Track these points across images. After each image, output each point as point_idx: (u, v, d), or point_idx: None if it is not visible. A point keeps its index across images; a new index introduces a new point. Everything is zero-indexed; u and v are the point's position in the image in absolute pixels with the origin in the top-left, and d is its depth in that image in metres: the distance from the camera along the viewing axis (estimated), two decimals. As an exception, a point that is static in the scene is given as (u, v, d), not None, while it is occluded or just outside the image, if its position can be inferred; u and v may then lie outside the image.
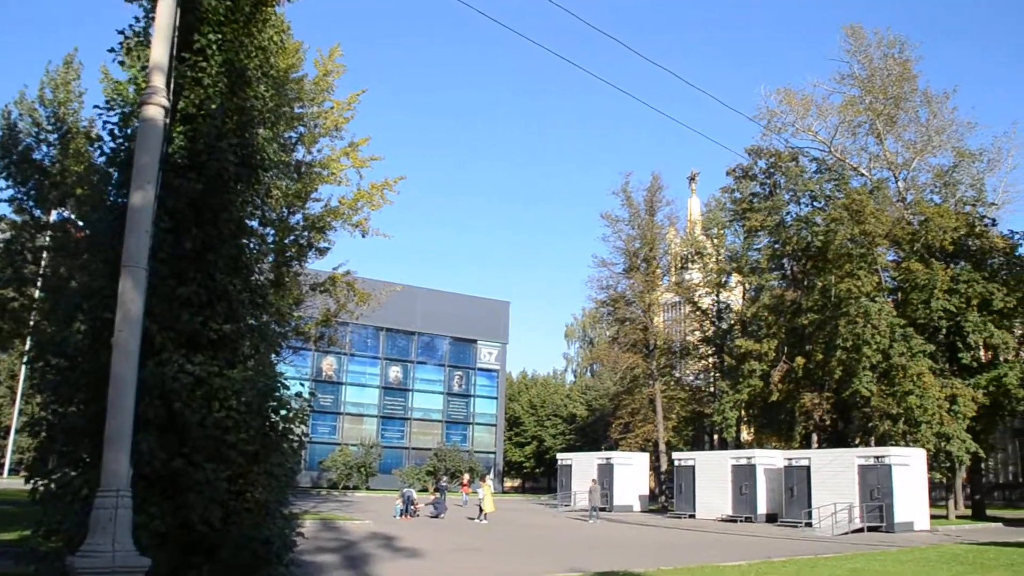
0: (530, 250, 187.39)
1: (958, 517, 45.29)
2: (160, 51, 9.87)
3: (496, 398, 75.90)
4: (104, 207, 12.83)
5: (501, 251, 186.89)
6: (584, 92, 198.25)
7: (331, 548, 21.98)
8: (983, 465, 52.33)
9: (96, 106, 12.37)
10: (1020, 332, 50.60)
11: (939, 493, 49.09)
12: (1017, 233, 47.66)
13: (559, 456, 56.50)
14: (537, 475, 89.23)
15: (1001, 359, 45.99)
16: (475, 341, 75.09)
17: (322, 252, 30.13)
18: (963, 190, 49.17)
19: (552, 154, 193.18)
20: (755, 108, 53.90)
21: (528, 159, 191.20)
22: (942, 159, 50.95)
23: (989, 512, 48.13)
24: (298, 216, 29.29)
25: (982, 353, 47.19)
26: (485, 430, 74.60)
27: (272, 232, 26.72)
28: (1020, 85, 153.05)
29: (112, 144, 12.05)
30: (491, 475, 67.64)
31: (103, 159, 12.66)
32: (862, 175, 52.08)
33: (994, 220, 48.49)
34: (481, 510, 36.78)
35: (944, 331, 45.31)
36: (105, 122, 12.07)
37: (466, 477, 53.01)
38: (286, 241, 28.35)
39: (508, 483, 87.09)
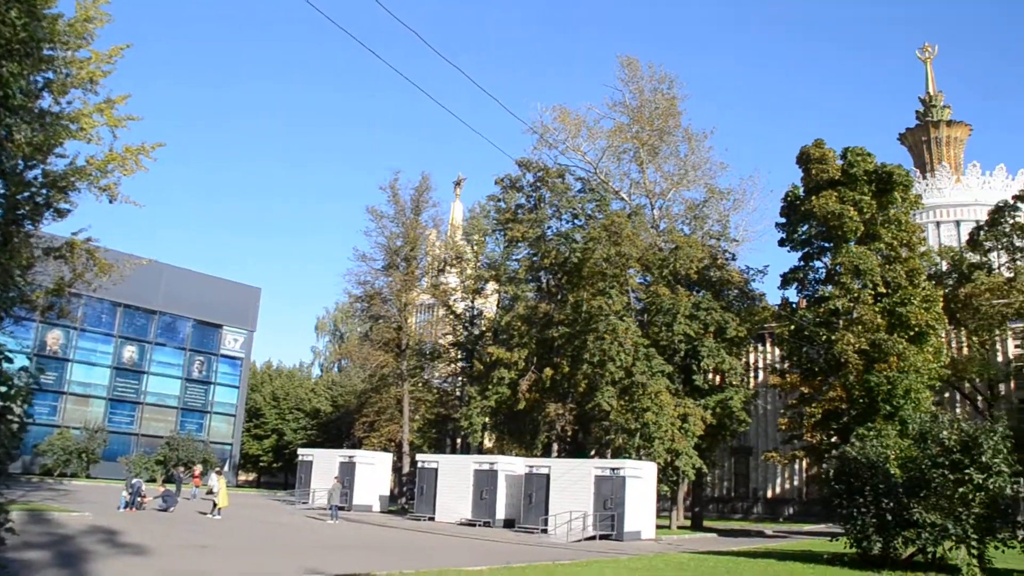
0: (286, 238, 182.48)
1: (679, 527, 48.19)
2: None
3: (238, 387, 72.49)
4: None
5: (256, 236, 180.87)
6: (369, 85, 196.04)
7: (41, 544, 19.74)
8: (704, 479, 56.05)
9: None
10: (746, 359, 54.96)
11: (663, 504, 51.99)
12: (752, 269, 52.62)
13: (300, 452, 54.67)
14: (274, 470, 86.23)
15: (728, 383, 49.58)
16: (220, 326, 71.38)
17: (61, 214, 27.05)
18: (710, 224, 52.76)
19: (319, 146, 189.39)
20: (530, 122, 54.95)
21: (294, 149, 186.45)
22: (695, 193, 54.49)
23: (706, 523, 51.74)
24: (37, 171, 26.20)
25: (712, 376, 50.58)
26: (223, 420, 70.94)
27: (2, 184, 23.71)
28: (765, 135, 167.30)
29: None
30: (226, 467, 64.56)
31: None
32: (622, 199, 54.45)
33: (734, 255, 52.75)
34: (215, 505, 34.79)
35: (682, 353, 48.11)
36: None
37: (198, 468, 50.13)
38: (19, 197, 25.26)
39: (243, 476, 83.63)
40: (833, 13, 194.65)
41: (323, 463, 50.06)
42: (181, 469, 50.96)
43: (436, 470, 43.92)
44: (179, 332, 69.26)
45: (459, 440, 60.02)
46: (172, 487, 41.87)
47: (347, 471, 47.53)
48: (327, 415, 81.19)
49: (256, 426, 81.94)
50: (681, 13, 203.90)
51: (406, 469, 56.56)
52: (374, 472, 49.74)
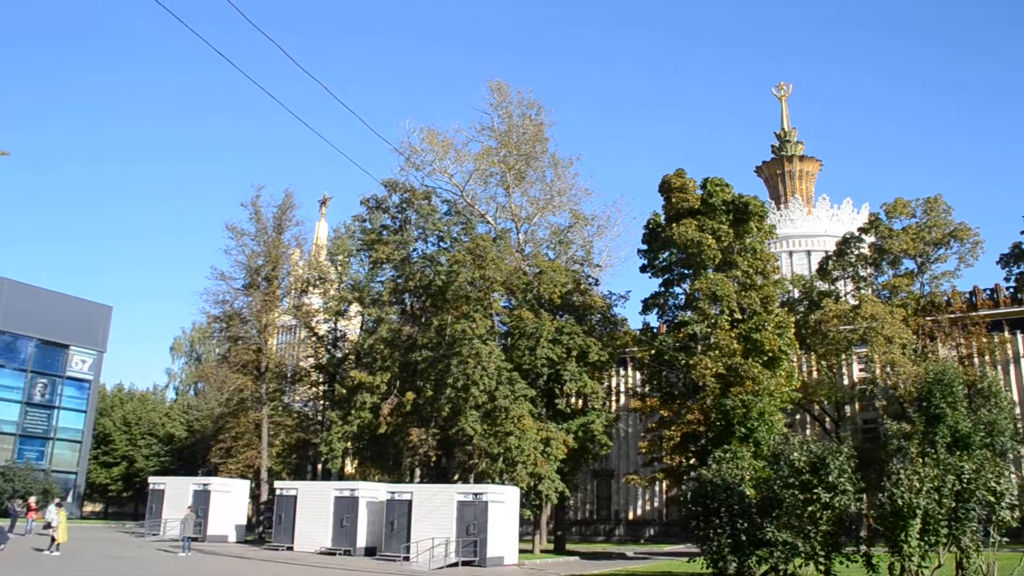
0: (140, 255, 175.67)
1: (542, 551, 48.43)
2: None
3: (85, 411, 69.06)
4: None
5: (109, 252, 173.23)
6: (234, 97, 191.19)
7: None
8: (567, 503, 56.58)
9: None
10: (607, 383, 55.98)
11: (526, 529, 52.19)
12: (614, 294, 53.95)
13: (151, 480, 52.15)
14: (124, 499, 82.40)
15: (591, 407, 50.27)
16: (67, 346, 67.97)
17: None
18: (575, 249, 53.76)
19: (179, 158, 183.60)
20: (398, 142, 54.74)
21: (151, 160, 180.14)
22: (560, 218, 55.47)
23: (569, 546, 52.20)
24: None
25: (575, 400, 51.28)
26: (68, 447, 67.32)
27: None
28: (630, 163, 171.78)
29: None
30: (69, 498, 61.19)
31: None
32: (488, 223, 54.87)
33: (597, 280, 54.00)
34: (53, 540, 32.82)
35: (545, 377, 48.68)
36: None
37: (33, 500, 47.22)
38: None
39: (89, 507, 79.53)
40: (697, 50, 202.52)
41: (176, 491, 47.89)
42: (18, 502, 47.99)
43: (295, 497, 42.77)
44: (20, 352, 65.49)
45: (320, 466, 58.69)
46: (5, 522, 39.31)
47: (202, 499, 45.77)
48: (182, 441, 78.26)
49: (105, 453, 78.19)
50: (553, 42, 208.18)
51: (264, 497, 54.85)
52: (230, 500, 48.04)
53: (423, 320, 51.84)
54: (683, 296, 48.51)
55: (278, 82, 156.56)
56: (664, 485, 57.63)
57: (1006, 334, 56.34)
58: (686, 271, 48.06)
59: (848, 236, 56.93)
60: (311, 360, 61.49)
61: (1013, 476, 47.04)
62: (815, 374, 56.96)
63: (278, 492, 44.49)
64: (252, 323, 57.49)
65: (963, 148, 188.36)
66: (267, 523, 50.62)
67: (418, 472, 51.27)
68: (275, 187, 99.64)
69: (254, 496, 57.08)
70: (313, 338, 60.12)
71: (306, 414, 63.26)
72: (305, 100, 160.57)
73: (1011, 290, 56.49)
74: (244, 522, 50.07)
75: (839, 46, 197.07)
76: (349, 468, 58.32)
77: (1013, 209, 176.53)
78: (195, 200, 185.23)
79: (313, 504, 42.03)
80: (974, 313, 55.52)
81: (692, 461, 45.74)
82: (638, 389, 57.06)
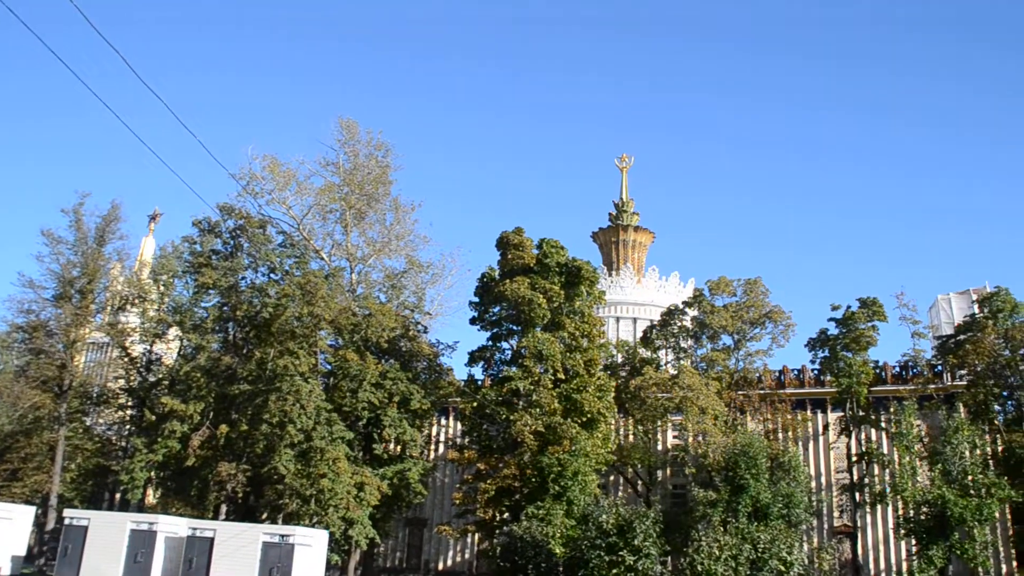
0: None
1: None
2: None
3: None
4: None
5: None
6: (73, 104, 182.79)
7: None
8: (377, 550, 56.88)
9: None
10: (428, 432, 56.94)
11: (332, 574, 52.12)
12: (442, 343, 55.42)
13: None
14: None
15: (408, 454, 51.27)
16: None
17: None
18: (407, 295, 55.05)
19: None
20: (238, 167, 54.50)
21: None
22: (396, 263, 56.68)
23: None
24: None
25: (393, 446, 52.13)
26: None
27: None
28: (471, 216, 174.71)
29: None
30: None
31: None
32: (323, 259, 55.46)
33: (426, 328, 55.36)
34: None
35: (365, 421, 49.40)
36: None
37: None
38: None
39: None
40: (551, 114, 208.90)
41: (-55, 517, 45.07)
42: None
43: (86, 528, 41.02)
44: None
45: (119, 496, 56.61)
46: None
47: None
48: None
49: None
50: (405, 87, 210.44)
51: (51, 525, 52.46)
52: (10, 528, 45.28)
53: (245, 351, 51.40)
54: (510, 352, 50.37)
55: (121, 90, 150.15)
56: (476, 538, 58.62)
57: (808, 412, 60.73)
58: (515, 327, 49.97)
59: (673, 308, 60.20)
60: (121, 382, 59.45)
61: (806, 546, 51.39)
62: (631, 438, 59.24)
63: (67, 521, 42.37)
64: (59, 337, 55.31)
65: (790, 225, 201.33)
66: (51, 554, 48.42)
67: (224, 509, 50.33)
68: (103, 196, 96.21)
69: (40, 524, 54.40)
70: (125, 359, 58.23)
71: (109, 439, 61.00)
72: (147, 114, 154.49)
73: (815, 372, 61.03)
74: (23, 552, 47.51)
75: (682, 122, 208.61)
76: (151, 499, 56.61)
77: (826, 292, 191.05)
78: (7, 203, 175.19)
79: (106, 536, 40.53)
80: (781, 391, 59.77)
81: (506, 515, 47.12)
82: (458, 440, 58.27)
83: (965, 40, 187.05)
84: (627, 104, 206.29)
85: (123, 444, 58.73)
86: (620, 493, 61.14)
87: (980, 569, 47.15)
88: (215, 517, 48.41)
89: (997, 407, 53.14)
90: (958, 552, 45.48)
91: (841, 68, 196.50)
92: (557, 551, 41.16)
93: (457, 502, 52.55)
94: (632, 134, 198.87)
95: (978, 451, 48.97)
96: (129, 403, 58.58)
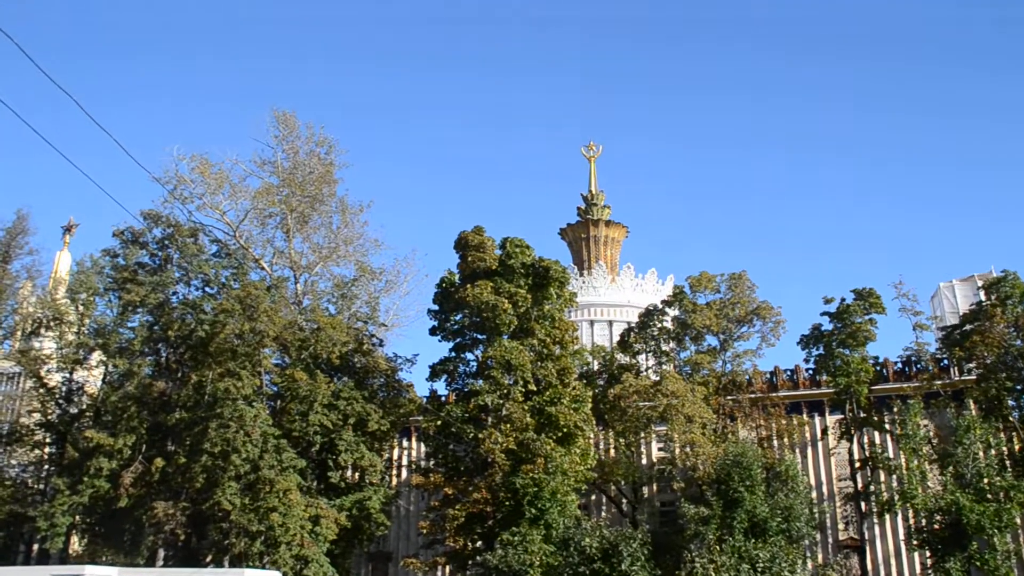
0: None
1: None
2: None
3: None
4: None
5: None
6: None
7: None
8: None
9: None
10: (388, 455, 54.52)
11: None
12: (401, 357, 53.70)
13: None
14: None
15: (368, 481, 48.79)
16: None
17: None
18: (359, 305, 53.21)
19: None
20: (163, 169, 51.70)
21: None
22: (345, 270, 54.62)
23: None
24: None
25: (351, 473, 49.72)
26: None
27: None
28: (426, 216, 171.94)
29: None
30: None
31: None
32: (263, 269, 53.27)
33: (382, 341, 53.61)
34: None
35: (318, 447, 46.93)
36: None
37: None
38: None
39: None
40: (503, 99, 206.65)
41: None
42: None
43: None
44: None
45: (36, 546, 52.96)
46: None
47: None
48: None
49: None
50: (347, 79, 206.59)
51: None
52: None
53: (180, 375, 48.91)
54: (475, 363, 49.02)
55: (18, 87, 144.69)
56: (447, 570, 56.44)
57: (804, 416, 58.73)
58: (479, 336, 48.53)
59: (651, 308, 58.14)
60: (36, 416, 55.54)
61: (809, 563, 49.80)
62: (612, 452, 57.36)
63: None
64: (-41, 367, 51.73)
65: (773, 220, 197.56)
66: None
67: (162, 554, 47.43)
68: (7, 207, 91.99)
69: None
70: (41, 390, 54.26)
71: (24, 481, 56.99)
72: (55, 111, 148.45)
73: (810, 372, 59.26)
74: None
75: (653, 107, 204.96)
76: (76, 548, 52.93)
77: (818, 288, 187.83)
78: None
79: (17, 593, 37.36)
80: (774, 394, 57.79)
81: (478, 544, 45.80)
82: (422, 463, 56.04)
83: (960, 20, 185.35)
84: (593, 90, 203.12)
85: (41, 487, 54.81)
86: (603, 513, 58.99)
87: (1003, 580, 45.61)
88: (151, 564, 45.60)
89: (1011, 402, 51.44)
90: (977, 563, 43.93)
91: (830, 55, 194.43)
92: (537, 581, 39.85)
93: (424, 532, 50.25)
94: (599, 121, 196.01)
95: (993, 451, 47.43)
96: (47, 439, 54.71)
